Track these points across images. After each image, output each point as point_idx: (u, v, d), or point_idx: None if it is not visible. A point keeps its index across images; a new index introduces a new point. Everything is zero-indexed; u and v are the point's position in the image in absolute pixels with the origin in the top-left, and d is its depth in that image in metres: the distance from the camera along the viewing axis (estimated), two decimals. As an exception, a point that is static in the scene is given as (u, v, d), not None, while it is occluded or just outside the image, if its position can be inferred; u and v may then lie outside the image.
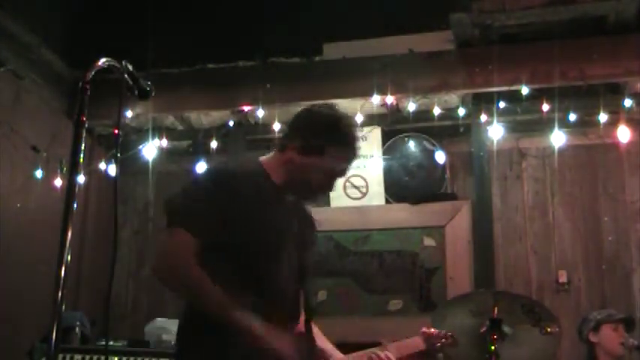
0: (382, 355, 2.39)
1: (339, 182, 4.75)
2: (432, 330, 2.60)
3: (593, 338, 3.67)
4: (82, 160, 1.62)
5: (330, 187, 2.24)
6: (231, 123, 4.86)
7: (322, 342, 2.35)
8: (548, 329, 2.81)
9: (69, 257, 1.52)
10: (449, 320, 2.92)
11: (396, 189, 4.71)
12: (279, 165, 2.18)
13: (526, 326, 2.82)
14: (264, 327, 1.98)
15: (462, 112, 4.54)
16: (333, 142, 2.16)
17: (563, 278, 4.43)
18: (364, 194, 4.76)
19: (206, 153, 4.77)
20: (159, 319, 3.97)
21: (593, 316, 3.72)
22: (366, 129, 4.72)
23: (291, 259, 2.17)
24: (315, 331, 2.31)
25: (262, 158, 2.23)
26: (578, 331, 3.77)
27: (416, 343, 2.55)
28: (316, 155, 2.13)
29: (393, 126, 4.75)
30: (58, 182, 4.43)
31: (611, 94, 4.37)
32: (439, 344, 2.59)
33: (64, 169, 4.39)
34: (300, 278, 2.20)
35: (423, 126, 4.70)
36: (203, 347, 2.04)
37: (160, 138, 4.80)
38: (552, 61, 4.16)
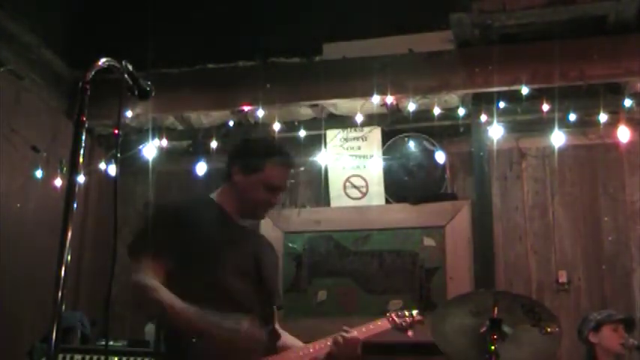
0: (348, 336, 2.44)
1: (340, 182, 4.78)
2: (399, 312, 2.70)
3: (593, 339, 3.67)
4: (82, 160, 1.62)
5: (273, 201, 2.50)
6: (231, 123, 4.86)
7: (284, 337, 2.55)
8: (548, 329, 2.81)
9: (69, 257, 1.52)
10: (449, 320, 2.92)
11: (396, 189, 4.71)
12: (227, 193, 2.48)
13: (526, 326, 2.82)
14: (220, 319, 2.19)
15: (462, 112, 4.54)
16: (270, 159, 2.44)
17: (563, 278, 4.43)
18: (364, 194, 4.76)
19: (206, 153, 4.77)
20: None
21: (593, 317, 3.72)
22: (366, 129, 4.73)
23: (248, 276, 2.39)
24: (280, 330, 2.55)
25: (213, 194, 2.52)
26: (578, 332, 3.77)
27: (381, 324, 2.64)
28: (256, 172, 2.42)
29: (393, 126, 4.75)
30: (58, 182, 4.43)
31: (611, 94, 4.37)
32: (406, 323, 2.68)
33: (64, 169, 4.39)
34: (264, 291, 2.41)
35: (423, 126, 4.70)
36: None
37: (160, 138, 4.80)
38: (552, 61, 4.15)
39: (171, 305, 2.18)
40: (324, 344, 2.45)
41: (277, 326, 2.59)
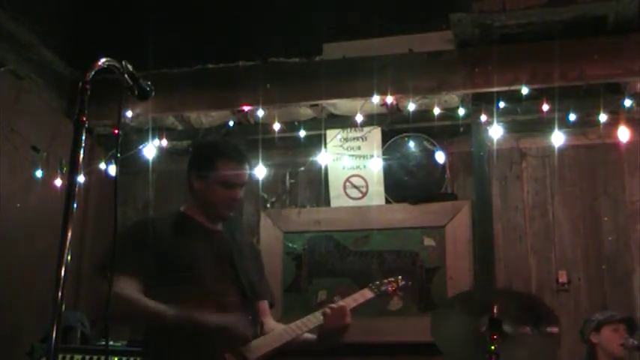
0: (336, 306, 2.52)
1: (340, 182, 4.78)
2: (383, 280, 2.81)
3: (594, 339, 3.67)
4: (82, 160, 1.62)
5: (234, 197, 2.54)
6: (231, 123, 4.86)
7: (272, 324, 2.63)
8: (548, 329, 2.81)
9: (69, 257, 1.52)
10: (449, 320, 2.92)
11: (396, 189, 4.71)
12: (193, 202, 2.58)
13: (526, 326, 2.82)
14: (203, 314, 2.27)
15: (462, 112, 4.53)
16: (219, 158, 2.51)
17: (563, 278, 4.42)
18: (364, 194, 4.75)
19: (206, 153, 4.76)
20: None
21: (595, 317, 3.72)
22: (366, 129, 4.72)
23: (224, 277, 2.46)
24: (272, 322, 2.65)
25: (182, 207, 2.63)
26: (580, 333, 3.77)
27: (364, 294, 2.73)
28: (209, 173, 2.50)
29: (393, 126, 4.75)
30: (58, 182, 4.42)
31: (611, 94, 4.37)
32: (391, 289, 2.78)
33: (64, 169, 4.38)
34: (243, 290, 2.47)
35: (423, 126, 4.70)
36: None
37: (160, 138, 4.80)
38: (552, 61, 4.15)
39: (158, 311, 2.26)
40: (311, 320, 2.52)
41: (269, 319, 2.65)
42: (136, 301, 2.27)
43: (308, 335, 2.55)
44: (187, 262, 2.40)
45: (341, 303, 2.55)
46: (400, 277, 2.85)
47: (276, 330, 2.53)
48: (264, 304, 2.67)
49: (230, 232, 2.69)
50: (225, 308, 2.38)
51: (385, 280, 2.81)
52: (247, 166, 2.59)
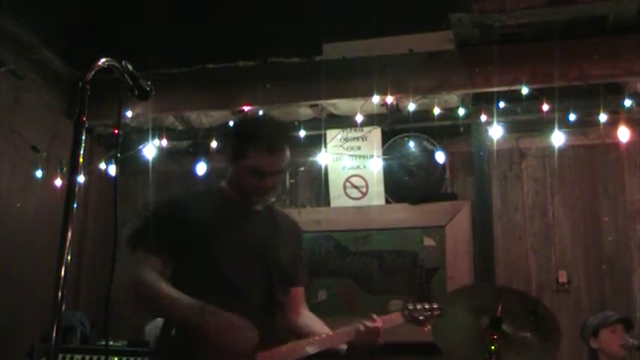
0: (370, 324, 2.41)
1: (340, 182, 4.78)
2: (413, 306, 2.59)
3: (593, 344, 3.64)
4: (82, 160, 1.62)
5: (264, 186, 2.40)
6: (231, 123, 4.86)
7: (308, 320, 2.54)
8: (548, 331, 2.80)
9: (69, 257, 1.52)
10: (449, 320, 2.91)
11: (396, 189, 4.72)
12: (229, 180, 2.46)
13: (526, 328, 2.81)
14: (204, 306, 2.17)
15: (462, 112, 4.54)
16: (253, 145, 2.34)
17: (563, 278, 4.43)
18: (364, 194, 4.76)
19: (206, 153, 4.78)
20: (159, 318, 3.96)
21: (591, 322, 3.69)
22: (366, 129, 4.73)
23: (251, 259, 2.37)
24: (307, 313, 2.57)
25: (223, 181, 2.50)
26: (581, 337, 3.74)
27: (394, 318, 2.57)
28: (241, 158, 2.36)
29: (393, 126, 4.75)
30: (58, 182, 4.43)
31: (611, 94, 4.37)
32: (423, 317, 2.57)
33: (64, 169, 4.39)
34: (271, 275, 2.38)
35: (423, 126, 4.70)
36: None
37: (160, 138, 4.80)
38: (552, 61, 4.15)
39: (174, 299, 2.20)
40: (344, 334, 2.42)
41: (303, 309, 2.57)
42: (158, 292, 2.23)
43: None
44: (212, 243, 2.32)
45: (377, 324, 2.40)
46: (437, 305, 2.58)
47: (303, 341, 2.40)
48: (297, 291, 2.56)
49: (271, 211, 2.56)
50: (248, 292, 2.30)
51: (420, 307, 2.56)
52: (283, 155, 2.37)
